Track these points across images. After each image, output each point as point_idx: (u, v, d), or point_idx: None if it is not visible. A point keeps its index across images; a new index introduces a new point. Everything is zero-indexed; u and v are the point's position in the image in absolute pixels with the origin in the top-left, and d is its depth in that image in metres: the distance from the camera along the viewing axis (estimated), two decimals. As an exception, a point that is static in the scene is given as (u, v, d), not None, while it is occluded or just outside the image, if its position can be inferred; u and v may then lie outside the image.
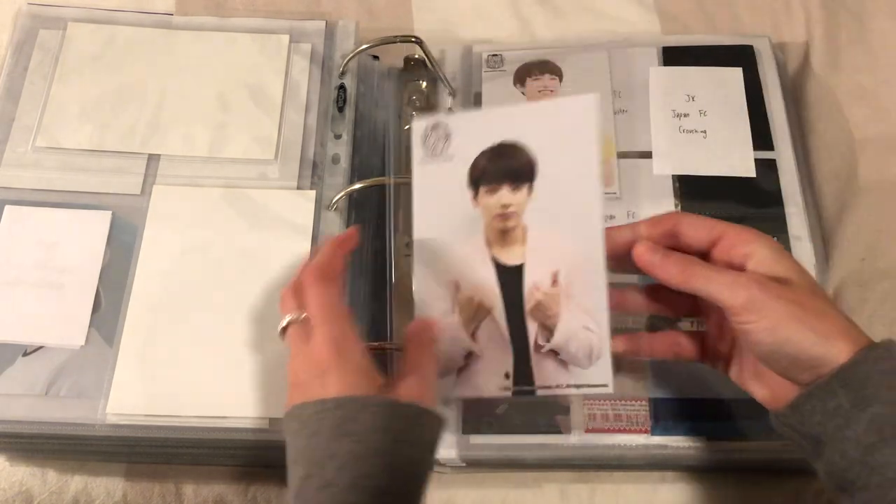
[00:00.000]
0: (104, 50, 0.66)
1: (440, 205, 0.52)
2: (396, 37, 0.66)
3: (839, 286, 0.61)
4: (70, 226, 0.60)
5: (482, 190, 0.51)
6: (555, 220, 0.49)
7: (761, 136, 0.63)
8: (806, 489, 0.57)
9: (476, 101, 0.67)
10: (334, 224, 0.61)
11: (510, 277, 0.50)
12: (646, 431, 0.55)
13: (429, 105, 0.69)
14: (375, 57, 0.70)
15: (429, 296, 0.51)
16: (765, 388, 0.47)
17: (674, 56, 0.67)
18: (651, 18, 0.73)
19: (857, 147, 0.66)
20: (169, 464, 0.59)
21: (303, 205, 0.61)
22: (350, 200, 0.63)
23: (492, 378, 0.50)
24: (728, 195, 0.61)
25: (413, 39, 0.66)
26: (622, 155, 0.63)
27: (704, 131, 0.64)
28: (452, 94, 0.67)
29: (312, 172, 0.62)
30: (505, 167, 0.50)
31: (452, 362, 0.50)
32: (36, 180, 0.61)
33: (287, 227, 0.60)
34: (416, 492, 0.43)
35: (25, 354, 0.56)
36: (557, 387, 0.49)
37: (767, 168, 0.62)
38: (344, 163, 0.63)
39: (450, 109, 0.66)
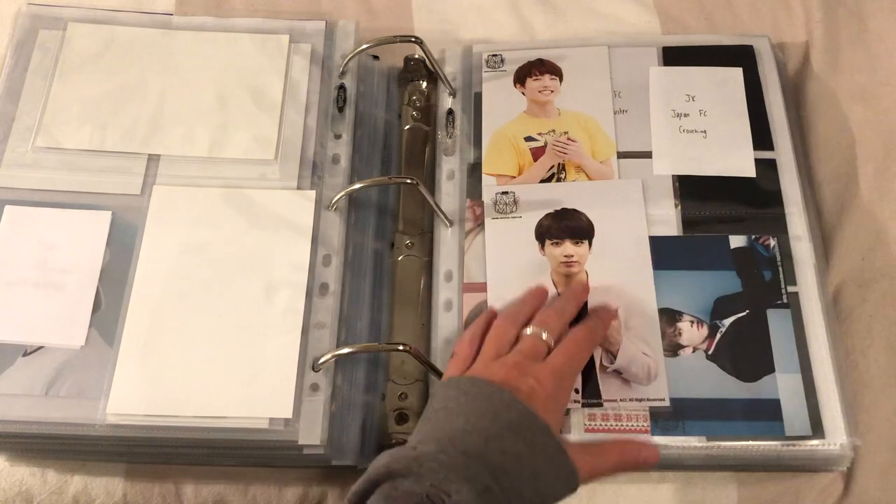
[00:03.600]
0: (104, 50, 0.66)
1: (511, 252, 0.60)
2: (396, 37, 0.66)
3: (839, 286, 0.61)
4: (70, 226, 0.60)
5: (548, 243, 0.60)
6: (612, 268, 0.59)
7: (761, 136, 0.63)
8: (805, 489, 0.57)
9: (476, 101, 0.67)
10: (334, 224, 0.61)
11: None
12: (646, 431, 0.55)
13: (429, 105, 0.69)
14: (375, 57, 0.70)
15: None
16: None
17: (674, 56, 0.67)
18: (651, 18, 0.73)
19: (857, 147, 0.66)
20: (169, 464, 0.59)
21: (303, 205, 0.61)
22: (350, 200, 0.63)
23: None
24: (728, 195, 0.61)
25: (413, 39, 0.66)
26: (622, 155, 0.63)
27: (704, 131, 0.64)
28: (452, 94, 0.67)
29: (312, 172, 0.62)
30: (567, 226, 0.60)
31: None
32: (36, 180, 0.61)
33: (287, 227, 0.60)
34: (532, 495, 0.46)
35: (25, 354, 0.56)
36: (622, 400, 0.55)
37: (767, 168, 0.62)
38: (344, 163, 0.63)
39: (450, 111, 0.66)
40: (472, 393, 0.48)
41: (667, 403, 0.55)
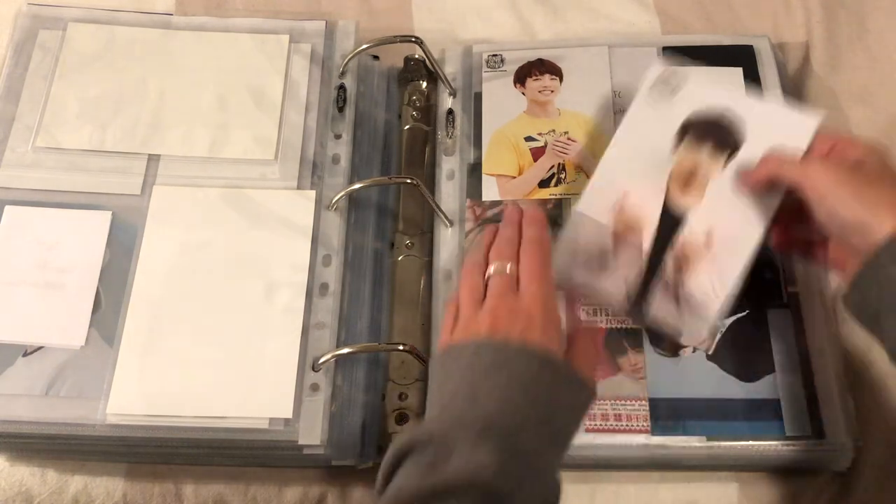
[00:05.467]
0: (104, 50, 0.66)
1: (647, 133, 0.57)
2: (396, 37, 0.66)
3: (839, 286, 0.61)
4: (70, 226, 0.60)
5: (686, 140, 0.57)
6: (733, 195, 0.54)
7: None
8: (806, 489, 0.57)
9: (476, 101, 0.67)
10: (334, 224, 0.61)
11: (672, 217, 0.55)
12: (646, 431, 0.55)
13: (429, 105, 0.69)
14: (375, 57, 0.70)
15: (602, 191, 0.57)
16: (841, 269, 0.51)
17: (674, 56, 0.67)
18: (651, 18, 0.73)
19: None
20: (169, 464, 0.59)
21: (303, 205, 0.61)
22: (350, 200, 0.63)
23: (614, 282, 0.55)
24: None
25: (413, 39, 0.66)
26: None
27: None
28: (452, 94, 0.67)
29: (312, 172, 0.62)
30: (716, 132, 0.56)
31: (587, 251, 0.55)
32: (36, 180, 0.61)
33: (287, 227, 0.60)
34: (559, 438, 0.46)
35: (25, 355, 0.56)
36: (664, 321, 0.54)
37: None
38: (344, 163, 0.63)
39: (450, 111, 0.66)
40: (475, 363, 0.47)
41: (704, 346, 0.56)
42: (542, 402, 0.45)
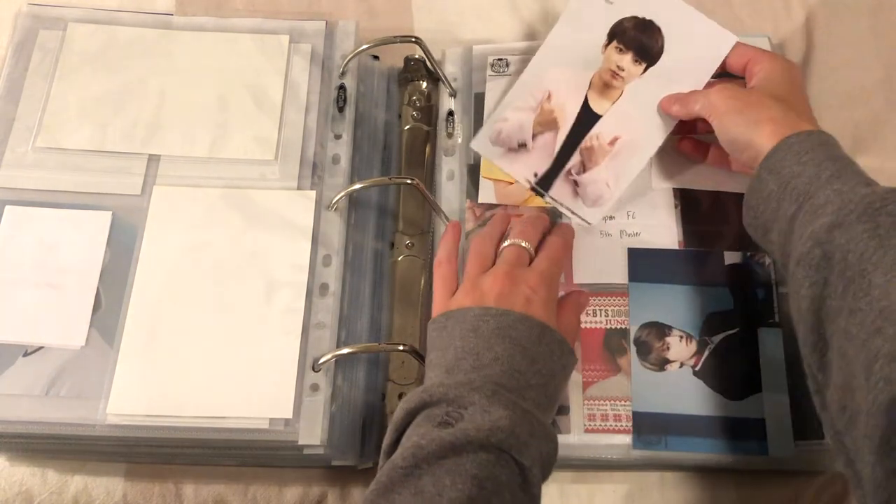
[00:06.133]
0: (104, 50, 0.66)
1: (577, 36, 0.62)
2: (396, 37, 0.66)
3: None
4: (70, 226, 0.60)
5: (613, 44, 0.61)
6: (645, 103, 0.60)
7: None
8: (805, 489, 0.57)
9: (477, 101, 0.66)
10: (334, 224, 0.61)
11: (587, 117, 0.61)
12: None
13: (429, 105, 0.69)
14: (375, 57, 0.70)
15: (527, 88, 0.63)
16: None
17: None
18: (651, 18, 0.73)
19: (857, 147, 0.66)
20: (169, 464, 0.59)
21: (303, 205, 0.61)
22: (350, 200, 0.63)
23: (524, 169, 0.62)
24: (729, 194, 0.61)
25: (413, 39, 0.66)
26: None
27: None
28: (453, 94, 0.67)
29: (312, 172, 0.62)
30: (641, 40, 0.61)
31: (509, 141, 0.63)
32: (36, 180, 0.61)
33: (287, 228, 0.60)
34: (551, 402, 0.50)
35: (26, 355, 0.56)
36: (561, 203, 0.61)
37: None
38: (344, 163, 0.63)
39: (451, 111, 0.66)
40: (480, 328, 0.49)
41: (593, 224, 0.60)
42: (540, 368, 0.48)
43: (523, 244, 0.54)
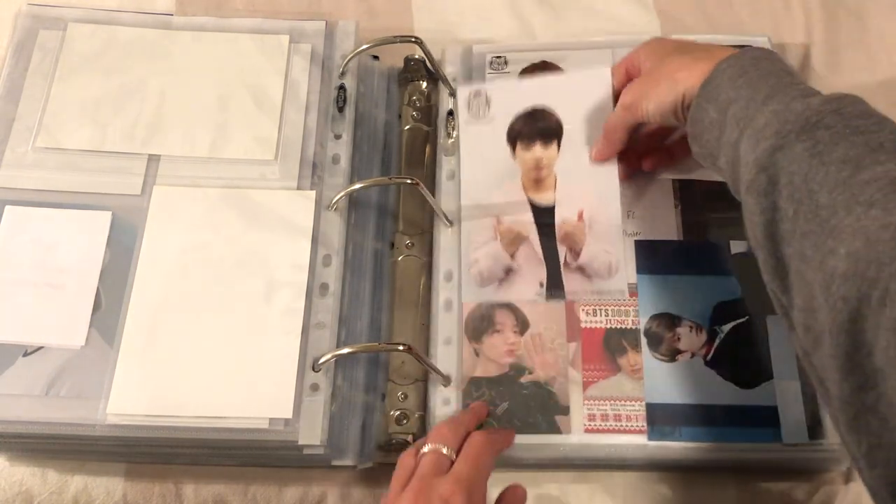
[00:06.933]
0: (104, 50, 0.66)
1: (484, 158, 0.63)
2: (396, 37, 0.66)
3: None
4: (70, 226, 0.60)
5: (519, 146, 0.62)
6: (579, 170, 0.61)
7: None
8: (806, 489, 0.57)
9: (476, 101, 0.67)
10: (334, 224, 0.61)
11: (544, 214, 0.61)
12: (645, 432, 0.55)
13: (429, 105, 0.69)
14: (375, 57, 0.70)
15: (475, 226, 0.62)
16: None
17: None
18: (651, 18, 0.73)
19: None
20: (169, 464, 0.59)
21: (303, 205, 0.61)
22: (350, 200, 0.63)
23: (527, 287, 0.60)
24: (728, 199, 0.61)
25: (413, 39, 0.66)
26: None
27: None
28: (453, 94, 0.67)
29: (312, 172, 0.62)
30: (537, 128, 0.62)
31: (494, 275, 0.60)
32: (36, 180, 0.61)
33: (287, 228, 0.60)
34: None
35: (25, 355, 0.56)
36: (584, 292, 0.59)
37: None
38: (344, 163, 0.63)
39: (451, 111, 0.66)
40: None
41: (626, 295, 0.59)
42: None
43: (444, 451, 0.50)
